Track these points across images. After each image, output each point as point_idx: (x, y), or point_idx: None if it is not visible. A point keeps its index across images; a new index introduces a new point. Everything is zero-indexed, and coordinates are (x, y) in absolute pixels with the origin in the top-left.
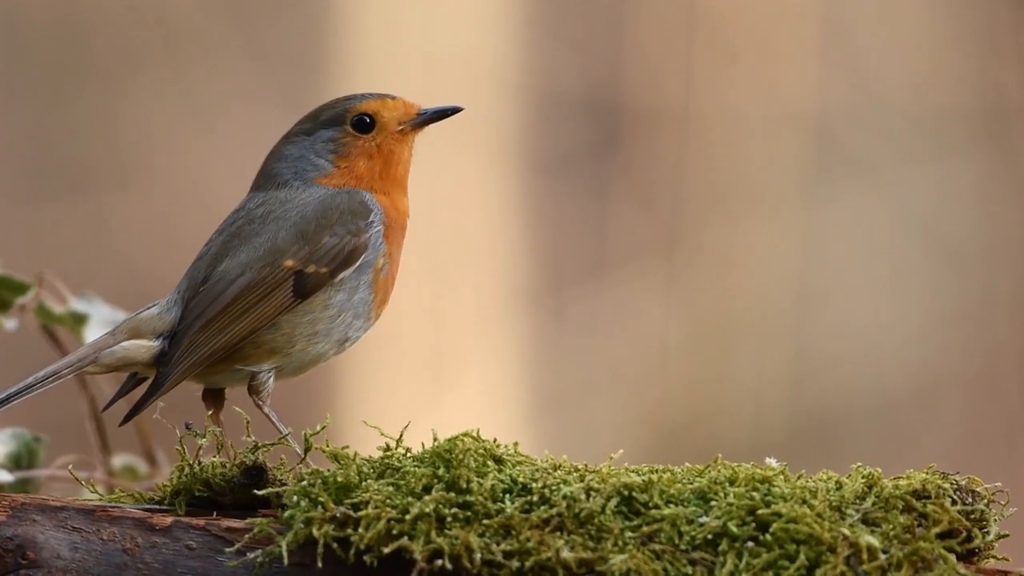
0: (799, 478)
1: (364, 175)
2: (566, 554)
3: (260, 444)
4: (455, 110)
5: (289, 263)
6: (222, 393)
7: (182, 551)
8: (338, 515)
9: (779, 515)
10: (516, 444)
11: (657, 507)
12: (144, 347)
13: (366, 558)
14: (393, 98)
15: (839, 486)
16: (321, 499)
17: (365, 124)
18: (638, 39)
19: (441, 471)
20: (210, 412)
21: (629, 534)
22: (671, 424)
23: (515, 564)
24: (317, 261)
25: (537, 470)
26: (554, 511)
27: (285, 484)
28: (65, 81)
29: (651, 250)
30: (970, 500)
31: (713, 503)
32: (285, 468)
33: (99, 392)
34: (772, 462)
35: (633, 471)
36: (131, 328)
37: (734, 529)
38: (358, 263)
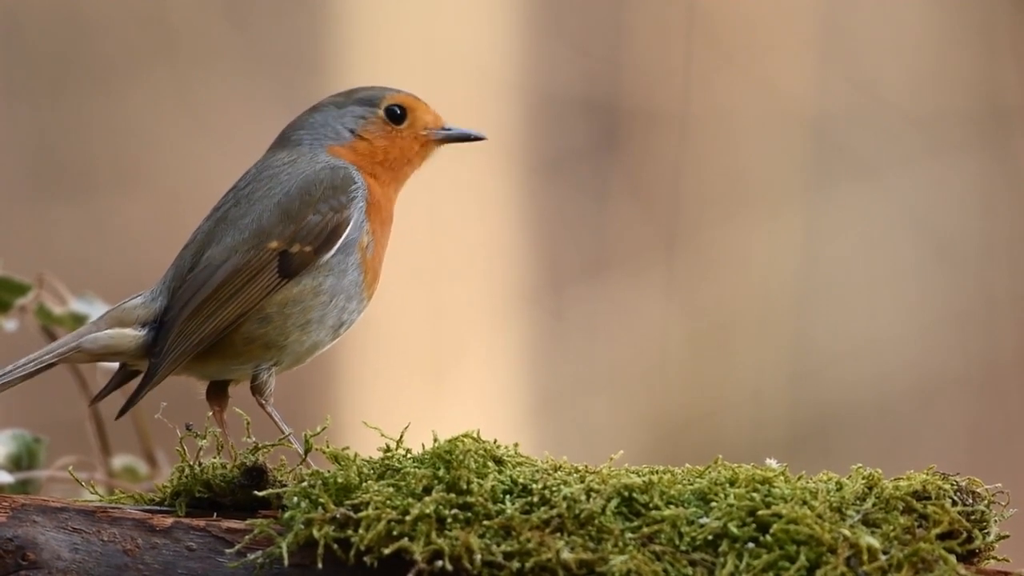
0: (799, 479)
1: (376, 157)
2: (566, 555)
3: (260, 445)
4: (478, 137)
5: (274, 244)
6: (226, 392)
7: (182, 552)
8: (338, 516)
9: (779, 516)
10: (516, 445)
11: (657, 508)
12: (129, 336)
13: (366, 559)
14: (427, 104)
15: (839, 487)
16: (321, 500)
17: (396, 115)
18: (637, 39)
19: (441, 472)
20: (214, 411)
21: (629, 535)
22: (671, 424)
23: (515, 565)
24: (302, 240)
25: (537, 471)
26: (554, 512)
27: (285, 485)
28: (65, 81)
29: (651, 250)
30: (970, 501)
31: (713, 504)
32: (285, 469)
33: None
34: (772, 463)
35: (633, 472)
36: (114, 317)
37: (734, 530)
38: (341, 240)
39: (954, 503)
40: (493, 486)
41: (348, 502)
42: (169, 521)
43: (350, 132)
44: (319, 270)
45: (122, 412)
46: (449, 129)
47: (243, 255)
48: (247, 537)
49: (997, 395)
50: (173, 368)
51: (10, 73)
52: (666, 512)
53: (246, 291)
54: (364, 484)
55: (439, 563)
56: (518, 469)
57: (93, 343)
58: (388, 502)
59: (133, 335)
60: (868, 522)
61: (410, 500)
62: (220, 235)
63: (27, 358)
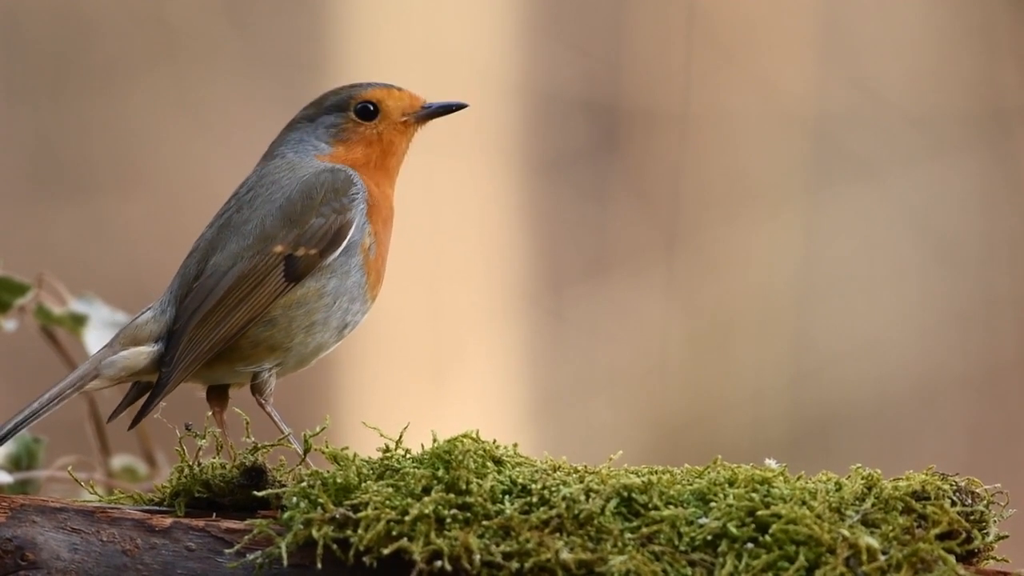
0: (799, 479)
1: (359, 160)
2: (565, 555)
3: (260, 445)
4: (460, 106)
5: (279, 248)
6: (226, 393)
7: (181, 552)
8: (337, 516)
9: (779, 516)
10: (516, 445)
11: (657, 508)
12: (144, 353)
13: (365, 559)
14: (399, 89)
15: (839, 487)
16: (320, 500)
17: (369, 112)
18: (637, 39)
19: (441, 472)
20: (214, 411)
21: (629, 535)
22: (671, 424)
23: (514, 565)
24: (307, 243)
25: (537, 471)
26: (553, 512)
27: (284, 485)
28: (65, 81)
29: (651, 250)
30: (970, 501)
31: (713, 504)
32: (285, 469)
33: (99, 393)
34: (772, 463)
35: (632, 472)
36: (128, 337)
37: (734, 530)
38: (345, 243)
39: (953, 503)
40: (492, 486)
41: (347, 502)
42: (168, 521)
43: (327, 144)
44: (322, 272)
45: (134, 423)
46: (429, 106)
47: (249, 260)
48: (246, 537)
49: (997, 395)
50: (184, 377)
51: (10, 73)
52: (665, 512)
53: (253, 296)
54: (363, 484)
55: (438, 563)
56: (517, 469)
57: (111, 367)
58: (387, 502)
59: (148, 351)
60: (867, 522)
61: (409, 500)
62: (224, 241)
63: (49, 395)
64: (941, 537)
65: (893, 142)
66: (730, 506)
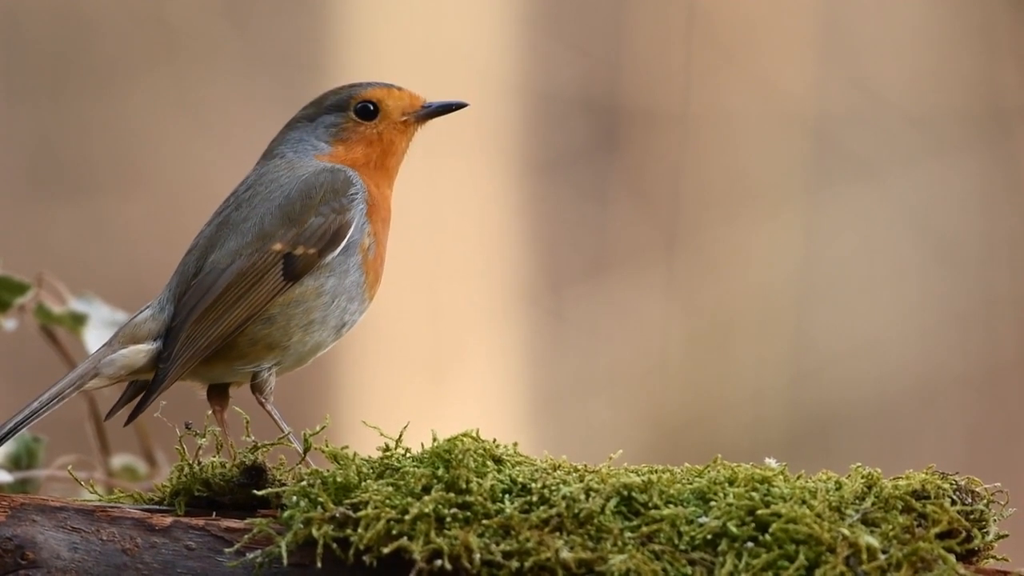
0: (798, 478)
1: (359, 160)
2: (565, 554)
3: (260, 444)
4: (460, 105)
5: (277, 247)
6: (227, 392)
7: (181, 551)
8: (337, 515)
9: (778, 515)
10: (515, 444)
11: (656, 507)
12: (143, 351)
13: (365, 558)
14: (399, 88)
15: (839, 486)
16: (320, 499)
17: (368, 111)
18: (637, 39)
19: (441, 471)
20: (215, 410)
21: (628, 534)
22: (671, 424)
23: (514, 564)
24: (305, 242)
25: (536, 470)
26: (553, 511)
27: (284, 484)
28: (65, 81)
29: (651, 250)
30: (970, 500)
31: (713, 503)
32: (284, 468)
33: (98, 392)
34: (771, 462)
35: (632, 471)
36: (127, 335)
37: (734, 529)
38: (344, 242)
39: (953, 502)
40: (492, 485)
41: (347, 501)
42: (168, 520)
43: (327, 144)
44: (321, 271)
45: (130, 419)
46: (429, 106)
47: (247, 258)
48: (246, 536)
49: (997, 395)
50: (181, 373)
51: (10, 73)
52: (665, 511)
53: (252, 294)
54: (363, 483)
55: (438, 562)
56: (517, 468)
57: (111, 366)
58: (387, 501)
59: (147, 349)
60: (867, 521)
61: (409, 499)
62: (223, 239)
63: (49, 394)
64: (941, 536)
65: (893, 142)
66: (730, 505)
